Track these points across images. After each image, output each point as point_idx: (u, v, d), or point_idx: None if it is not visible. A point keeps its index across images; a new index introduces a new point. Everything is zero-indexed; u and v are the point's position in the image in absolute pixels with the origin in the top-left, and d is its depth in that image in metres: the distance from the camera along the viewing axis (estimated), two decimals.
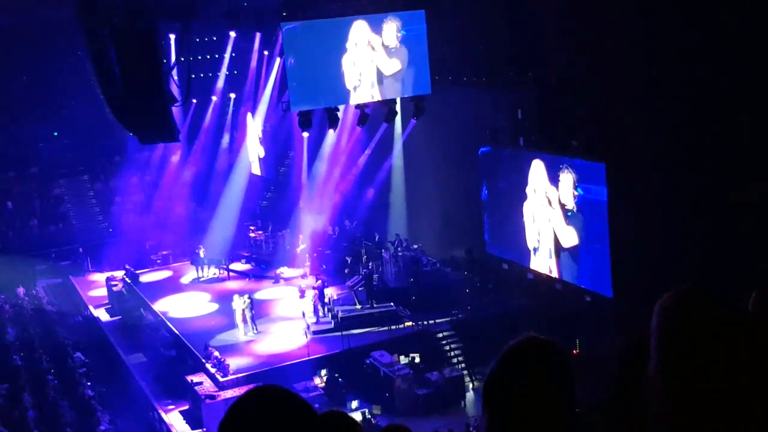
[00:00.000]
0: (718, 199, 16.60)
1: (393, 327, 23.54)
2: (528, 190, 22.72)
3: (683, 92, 17.07)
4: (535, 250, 23.02)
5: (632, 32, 18.20)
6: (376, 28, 22.20)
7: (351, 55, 22.10)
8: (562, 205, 21.45)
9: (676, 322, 1.72)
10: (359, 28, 22.17)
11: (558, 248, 21.93)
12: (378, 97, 22.77)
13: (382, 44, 22.30)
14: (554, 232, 21.91)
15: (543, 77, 21.85)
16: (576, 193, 21.07)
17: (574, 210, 21.14)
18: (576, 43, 19.72)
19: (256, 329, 24.44)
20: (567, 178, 21.28)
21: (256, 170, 34.46)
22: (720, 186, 16.61)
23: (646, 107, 18.15)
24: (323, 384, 21.54)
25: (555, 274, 22.23)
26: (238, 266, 31.50)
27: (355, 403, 21.01)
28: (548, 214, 22.04)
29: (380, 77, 22.49)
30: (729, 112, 16.25)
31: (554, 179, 21.45)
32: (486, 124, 24.33)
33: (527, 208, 22.88)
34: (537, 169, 22.30)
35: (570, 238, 21.37)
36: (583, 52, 19.59)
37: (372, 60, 22.29)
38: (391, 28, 22.28)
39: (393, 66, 22.51)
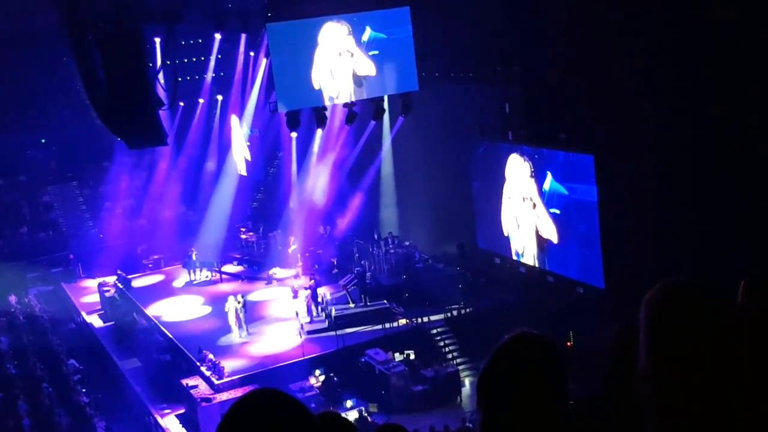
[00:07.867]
0: (709, 190, 16.65)
1: (387, 324, 23.55)
2: (506, 185, 22.95)
3: (671, 84, 17.10)
4: (518, 245, 23.24)
5: (619, 23, 18.22)
6: (347, 29, 22.51)
7: (322, 55, 22.41)
8: (530, 196, 21.86)
9: (662, 315, 1.74)
10: (329, 29, 22.42)
11: (540, 240, 22.12)
12: (357, 97, 22.94)
13: (351, 46, 22.54)
14: (535, 225, 22.13)
15: (530, 71, 21.89)
16: (533, 180, 21.43)
17: (539, 198, 21.48)
18: (563, 35, 19.73)
19: (247, 331, 24.41)
20: (525, 167, 21.84)
21: (243, 171, 34.43)
22: (710, 176, 16.66)
23: (634, 99, 18.18)
24: (319, 384, 21.55)
25: (543, 267, 22.37)
26: (231, 268, 31.47)
27: (350, 402, 21.03)
28: (526, 208, 22.29)
29: (356, 77, 22.66)
30: (719, 103, 16.27)
31: (536, 173, 21.82)
32: (474, 119, 24.37)
33: (505, 203, 23.16)
34: (514, 163, 22.55)
35: (548, 228, 21.61)
36: (570, 44, 19.61)
37: (345, 60, 22.49)
38: (342, 30, 22.44)
39: (364, 66, 22.67)
